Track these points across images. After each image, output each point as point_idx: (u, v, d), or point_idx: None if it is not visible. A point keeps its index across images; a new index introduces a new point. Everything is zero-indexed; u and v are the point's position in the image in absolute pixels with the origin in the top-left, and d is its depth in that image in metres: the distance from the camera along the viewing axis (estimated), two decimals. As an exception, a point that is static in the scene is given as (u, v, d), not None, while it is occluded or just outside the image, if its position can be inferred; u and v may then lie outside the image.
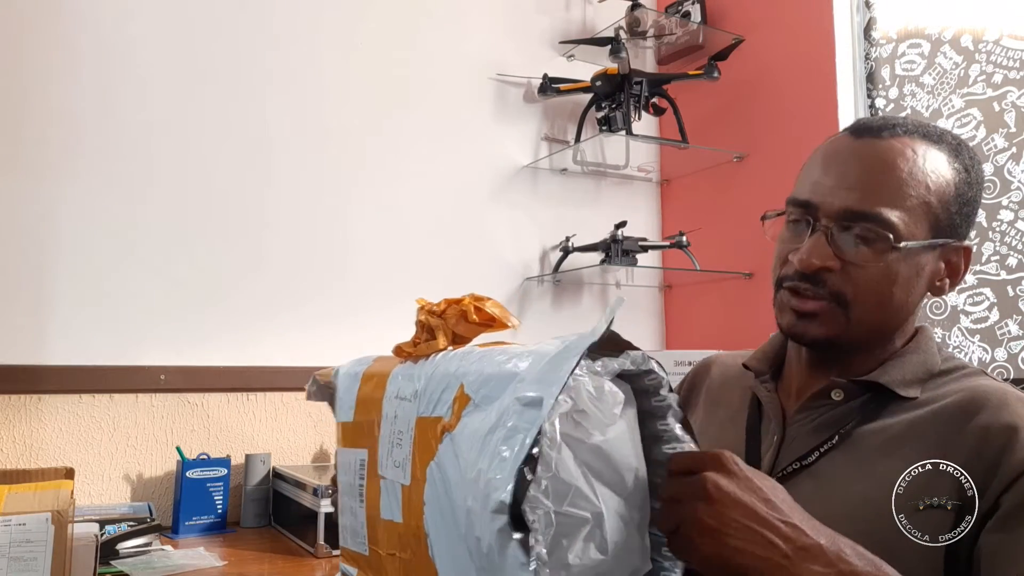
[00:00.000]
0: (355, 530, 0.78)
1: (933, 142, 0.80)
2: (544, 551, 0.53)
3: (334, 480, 0.90)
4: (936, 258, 0.81)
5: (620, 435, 0.59)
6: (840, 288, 0.78)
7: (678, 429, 0.63)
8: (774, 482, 0.61)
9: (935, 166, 0.79)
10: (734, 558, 0.57)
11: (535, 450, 0.53)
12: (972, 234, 0.86)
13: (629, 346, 0.61)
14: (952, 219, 0.80)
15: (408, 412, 0.70)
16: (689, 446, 0.63)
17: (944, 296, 0.87)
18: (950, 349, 1.74)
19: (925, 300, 0.88)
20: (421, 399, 0.69)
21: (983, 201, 1.70)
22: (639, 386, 0.63)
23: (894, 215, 0.76)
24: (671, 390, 0.63)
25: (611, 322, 0.58)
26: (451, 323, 0.72)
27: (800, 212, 0.82)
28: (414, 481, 0.67)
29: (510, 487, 0.53)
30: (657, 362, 0.62)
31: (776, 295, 0.84)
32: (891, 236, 0.76)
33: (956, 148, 0.82)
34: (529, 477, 0.53)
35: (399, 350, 0.77)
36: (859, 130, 0.82)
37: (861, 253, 0.78)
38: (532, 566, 0.52)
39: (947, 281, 0.83)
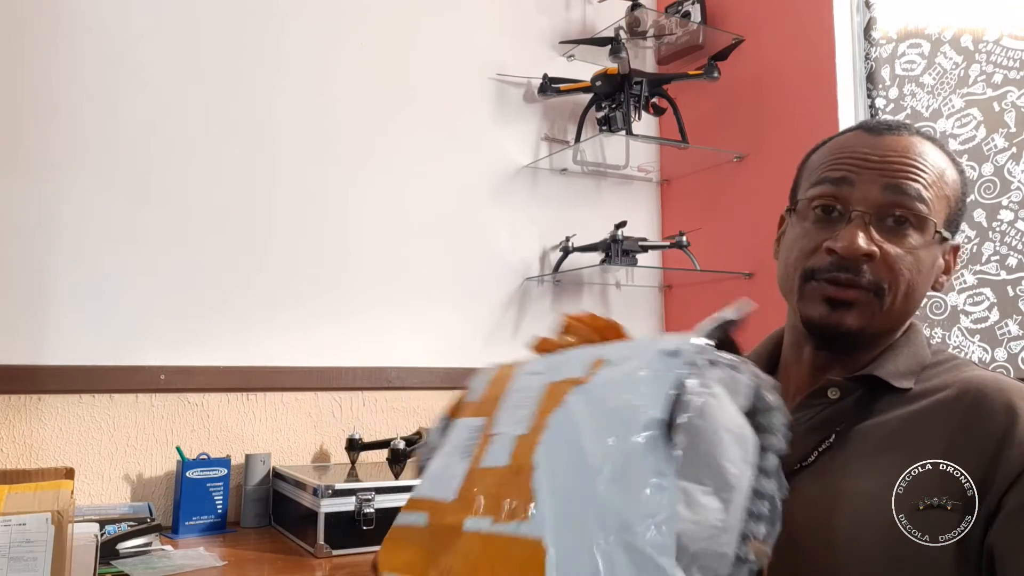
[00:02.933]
0: (443, 479, 0.77)
1: (937, 145, 0.84)
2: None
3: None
4: (941, 254, 0.83)
5: (744, 425, 0.62)
6: (878, 277, 0.79)
7: (773, 462, 0.65)
8: None
9: (947, 164, 0.83)
10: None
11: (690, 381, 0.57)
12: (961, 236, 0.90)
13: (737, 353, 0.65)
14: (956, 216, 0.84)
15: (538, 382, 0.72)
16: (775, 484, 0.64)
17: (941, 293, 0.88)
18: (950, 349, 1.74)
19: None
20: (554, 371, 0.71)
21: (983, 201, 1.70)
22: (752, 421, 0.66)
23: (926, 204, 0.79)
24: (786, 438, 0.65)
25: (737, 318, 0.64)
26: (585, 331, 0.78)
27: (830, 202, 0.81)
28: (531, 430, 0.68)
29: (661, 404, 0.56)
30: (786, 416, 0.65)
31: (804, 286, 0.83)
32: (935, 221, 0.79)
33: (950, 154, 0.85)
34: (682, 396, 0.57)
35: (544, 343, 0.82)
36: (876, 128, 0.84)
37: (901, 239, 0.79)
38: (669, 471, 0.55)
39: (944, 278, 0.86)
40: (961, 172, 0.85)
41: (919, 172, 0.80)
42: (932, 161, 0.81)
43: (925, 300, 1.80)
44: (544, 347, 0.79)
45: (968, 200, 0.87)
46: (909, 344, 0.84)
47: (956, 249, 0.86)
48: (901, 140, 0.81)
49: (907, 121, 0.89)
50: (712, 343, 0.62)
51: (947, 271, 0.86)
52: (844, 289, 0.79)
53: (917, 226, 0.79)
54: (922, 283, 0.81)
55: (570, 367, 0.69)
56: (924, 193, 0.79)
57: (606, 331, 0.76)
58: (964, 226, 1.73)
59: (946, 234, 0.82)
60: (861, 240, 0.77)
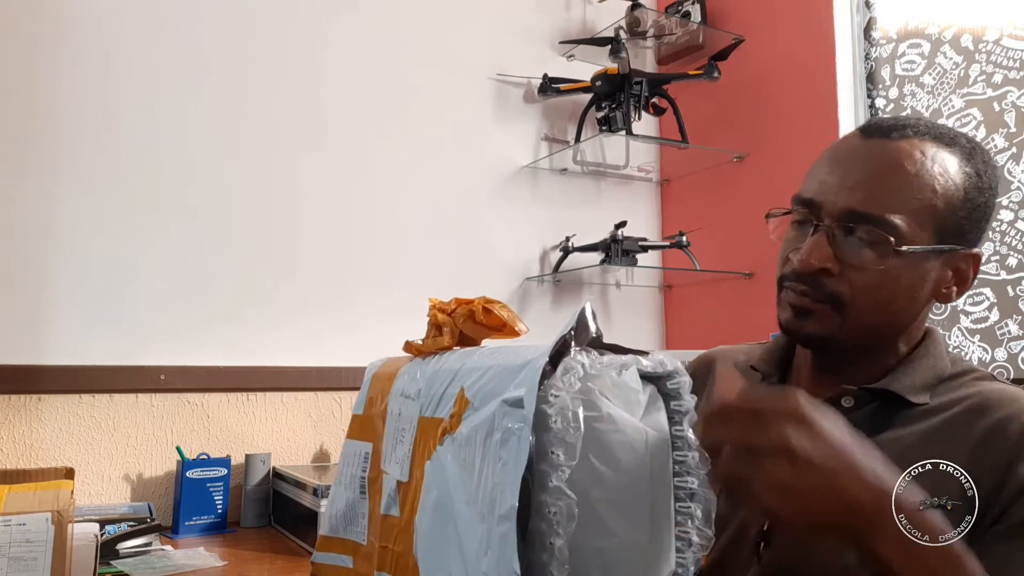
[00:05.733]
0: (352, 519, 0.79)
1: (945, 144, 0.78)
2: (563, 543, 0.53)
3: None
4: (942, 265, 0.79)
5: (640, 429, 0.59)
6: (837, 290, 0.78)
7: (691, 435, 0.63)
8: (850, 432, 0.59)
9: (944, 169, 0.77)
10: (814, 518, 0.55)
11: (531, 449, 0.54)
12: (983, 241, 0.84)
13: (621, 349, 0.61)
14: (960, 224, 0.78)
15: (411, 411, 0.71)
16: (698, 456, 0.62)
17: (953, 303, 0.86)
18: (951, 348, 1.74)
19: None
20: (423, 398, 0.70)
21: (983, 201, 1.70)
22: (660, 389, 0.63)
23: (897, 218, 0.75)
24: (692, 393, 0.63)
25: (582, 318, 0.59)
26: (459, 322, 0.72)
27: (804, 211, 0.81)
28: (412, 479, 0.68)
29: (516, 492, 0.53)
30: (682, 364, 0.62)
31: (779, 295, 0.84)
32: (892, 240, 0.75)
33: (970, 151, 0.80)
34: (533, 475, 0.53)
35: (408, 346, 0.78)
36: (869, 130, 0.81)
37: (862, 256, 0.76)
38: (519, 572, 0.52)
39: (954, 289, 0.81)
40: (978, 173, 0.79)
41: (886, 185, 0.76)
42: (916, 169, 0.76)
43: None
44: (415, 350, 0.77)
45: (988, 200, 0.80)
46: (928, 356, 0.82)
47: (975, 258, 0.80)
48: (886, 146, 0.78)
49: (917, 118, 0.83)
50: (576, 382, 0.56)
51: (961, 281, 0.81)
52: (803, 297, 0.79)
53: (885, 242, 0.75)
54: (902, 298, 0.78)
55: (437, 395, 0.67)
56: (891, 209, 0.75)
57: (474, 320, 0.71)
58: (964, 226, 1.72)
59: (940, 247, 0.77)
60: (814, 256, 0.77)
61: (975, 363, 1.67)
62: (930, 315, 1.76)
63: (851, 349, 0.81)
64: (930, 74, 1.84)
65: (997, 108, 1.70)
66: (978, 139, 1.72)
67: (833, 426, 0.57)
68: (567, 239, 2.14)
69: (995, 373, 1.64)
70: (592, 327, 0.60)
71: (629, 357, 0.60)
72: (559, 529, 0.53)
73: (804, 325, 0.80)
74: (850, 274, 0.77)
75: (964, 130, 1.74)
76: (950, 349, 1.69)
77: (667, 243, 2.17)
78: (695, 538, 0.62)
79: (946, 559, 0.58)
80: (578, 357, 0.57)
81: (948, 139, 0.79)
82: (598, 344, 0.61)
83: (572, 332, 0.58)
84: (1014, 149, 1.67)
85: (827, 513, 0.55)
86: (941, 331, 1.76)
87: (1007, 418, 0.72)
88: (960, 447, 0.73)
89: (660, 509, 0.60)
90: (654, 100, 2.18)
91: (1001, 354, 1.66)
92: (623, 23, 2.20)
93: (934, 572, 0.57)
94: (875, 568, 0.58)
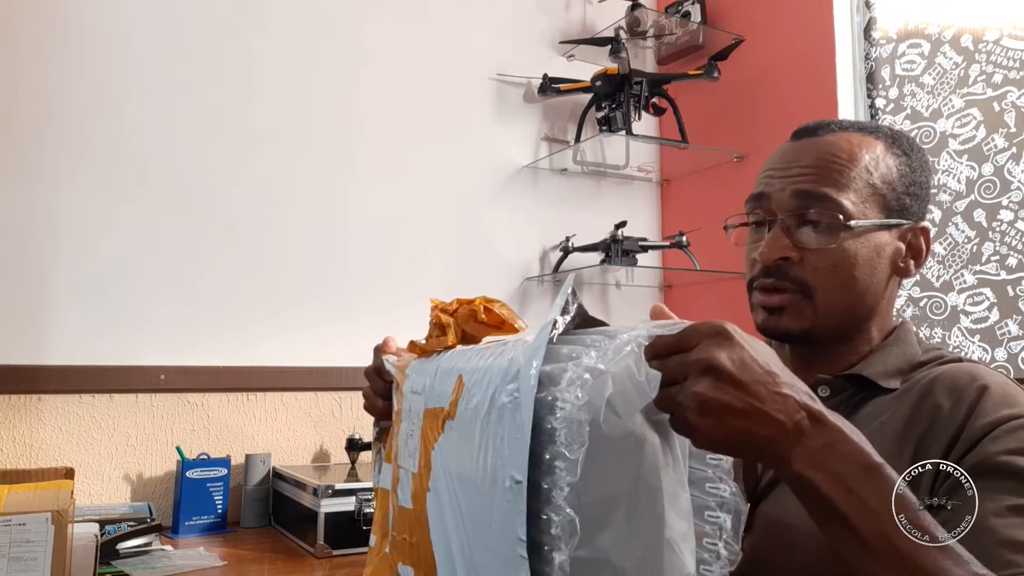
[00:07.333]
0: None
1: (868, 133, 0.86)
2: (565, 559, 0.52)
3: None
4: (894, 239, 0.84)
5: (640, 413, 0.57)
6: (802, 276, 0.82)
7: None
8: (773, 352, 0.59)
9: (873, 153, 0.84)
10: (733, 435, 0.55)
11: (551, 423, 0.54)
12: (929, 216, 0.91)
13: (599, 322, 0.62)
14: (901, 200, 0.84)
15: (419, 405, 0.73)
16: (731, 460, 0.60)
17: (912, 277, 0.89)
18: (950, 349, 1.74)
19: (907, 291, 0.89)
20: (428, 392, 0.72)
21: (983, 201, 1.70)
22: None
23: (842, 196, 0.81)
24: None
25: (573, 293, 0.59)
26: (460, 321, 0.74)
27: (758, 211, 0.87)
28: (420, 468, 0.71)
29: (524, 464, 0.53)
30: None
31: (750, 299, 0.89)
32: (841, 216, 0.80)
33: (893, 137, 0.86)
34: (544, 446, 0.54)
35: (412, 346, 0.81)
36: (798, 133, 0.90)
37: (816, 238, 0.82)
38: (523, 552, 0.52)
39: (911, 262, 0.86)
40: (905, 153, 0.85)
41: (826, 171, 0.82)
42: (848, 155, 0.83)
43: (925, 300, 1.81)
44: (419, 349, 0.78)
45: (922, 178, 0.86)
46: (899, 343, 0.85)
47: (924, 231, 0.86)
48: (814, 142, 0.85)
49: (836, 119, 0.91)
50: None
51: (916, 255, 0.86)
52: (771, 295, 0.85)
53: (834, 222, 0.80)
54: (862, 274, 0.82)
55: (441, 390, 0.69)
56: (835, 189, 0.81)
57: (476, 319, 0.73)
58: (964, 226, 1.73)
59: (888, 221, 0.83)
60: (775, 247, 0.83)
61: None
62: (930, 316, 1.76)
63: (827, 338, 0.84)
64: (930, 74, 1.84)
65: (997, 108, 1.70)
66: (977, 139, 1.72)
67: (759, 347, 0.57)
68: (567, 239, 2.14)
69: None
70: (574, 307, 0.59)
71: (641, 330, 0.57)
72: (561, 545, 0.52)
73: (780, 322, 0.85)
74: (810, 258, 0.82)
75: (964, 130, 1.75)
76: (951, 347, 1.70)
77: (667, 243, 2.17)
78: (723, 551, 0.58)
79: (870, 476, 0.58)
80: (585, 361, 0.55)
81: (870, 129, 0.87)
82: (586, 322, 0.60)
83: (569, 320, 0.58)
84: (1014, 149, 1.67)
85: (745, 430, 0.55)
86: (941, 331, 1.76)
87: (965, 383, 0.75)
88: (922, 416, 0.75)
89: (668, 495, 0.57)
90: (654, 100, 2.18)
91: (1001, 354, 1.66)
92: (623, 23, 2.20)
93: (849, 488, 0.57)
94: (793, 487, 0.58)
